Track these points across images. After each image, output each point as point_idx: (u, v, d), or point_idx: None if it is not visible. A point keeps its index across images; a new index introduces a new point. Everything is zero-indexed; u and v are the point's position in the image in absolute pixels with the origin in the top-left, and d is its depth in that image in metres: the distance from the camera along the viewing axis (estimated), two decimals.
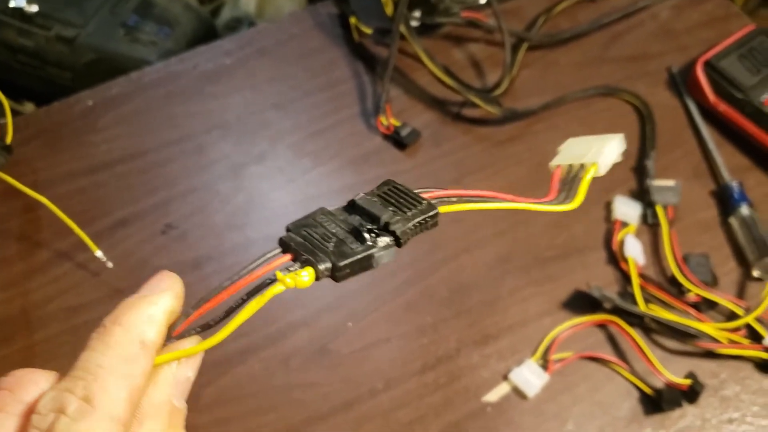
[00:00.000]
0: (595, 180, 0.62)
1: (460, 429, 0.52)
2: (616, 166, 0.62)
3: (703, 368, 0.53)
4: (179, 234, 0.61)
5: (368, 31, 0.69)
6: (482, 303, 0.57)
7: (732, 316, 0.54)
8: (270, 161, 0.64)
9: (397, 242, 0.27)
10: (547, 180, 0.63)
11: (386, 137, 0.65)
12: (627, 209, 0.58)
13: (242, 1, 1.08)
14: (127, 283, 0.58)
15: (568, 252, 0.59)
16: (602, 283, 0.57)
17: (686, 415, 0.52)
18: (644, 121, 0.64)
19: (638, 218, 0.58)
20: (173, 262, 0.59)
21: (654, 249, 0.58)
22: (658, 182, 0.59)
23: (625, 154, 0.63)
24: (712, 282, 0.56)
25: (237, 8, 1.09)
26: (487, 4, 0.68)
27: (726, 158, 0.62)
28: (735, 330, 0.53)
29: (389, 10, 0.65)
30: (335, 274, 0.25)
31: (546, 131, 0.65)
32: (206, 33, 1.05)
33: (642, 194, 0.60)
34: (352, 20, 0.70)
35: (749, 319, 0.52)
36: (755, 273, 0.56)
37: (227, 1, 1.11)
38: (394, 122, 0.65)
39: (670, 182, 0.59)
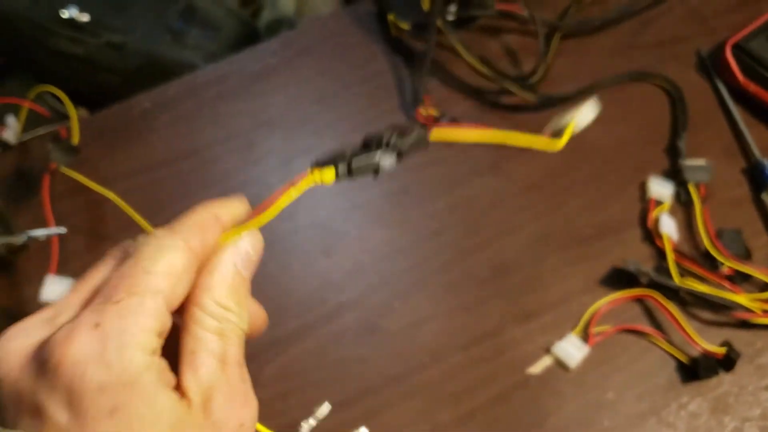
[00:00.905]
0: (630, 160, 0.65)
1: (506, 399, 0.55)
2: (649, 148, 0.65)
3: (739, 338, 0.55)
4: None
5: (405, 26, 0.73)
6: (523, 281, 0.60)
7: (765, 287, 0.56)
8: (316, 153, 0.68)
9: (396, 151, 0.36)
10: (582, 163, 0.65)
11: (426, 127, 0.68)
12: (661, 188, 0.61)
13: (281, 2, 1.12)
14: None
15: (604, 231, 0.61)
16: (638, 259, 0.59)
17: (723, 383, 0.54)
18: (675, 104, 0.67)
19: (671, 197, 0.61)
20: None
21: (687, 226, 0.60)
22: (689, 161, 0.61)
23: (658, 135, 0.66)
24: (746, 255, 0.58)
25: (276, 10, 1.12)
26: None
27: (757, 137, 0.64)
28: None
29: (426, 5, 0.68)
30: (350, 170, 0.34)
31: None
32: (248, 35, 1.09)
33: (675, 174, 0.62)
34: (390, 17, 0.73)
35: None
36: None
37: (266, 4, 1.15)
38: (434, 112, 0.68)
39: (701, 161, 0.61)
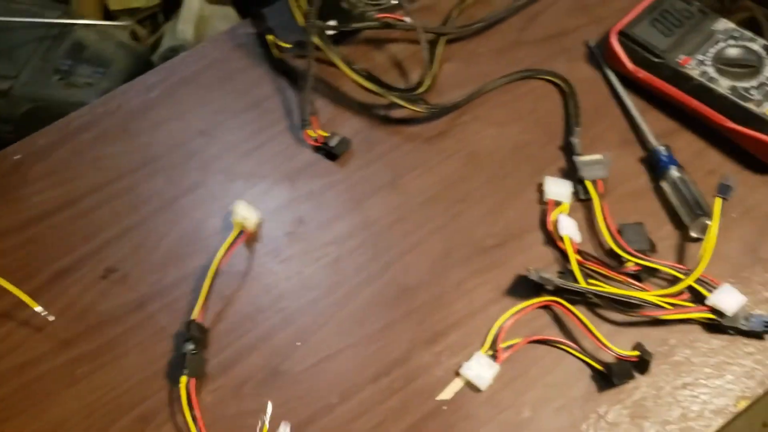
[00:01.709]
0: (527, 162, 0.62)
1: (420, 429, 0.52)
2: (546, 147, 0.63)
3: (652, 337, 0.53)
4: (120, 276, 0.60)
5: (287, 45, 0.69)
6: (429, 300, 0.57)
7: (674, 280, 0.55)
8: (202, 189, 0.64)
9: None
10: (478, 170, 0.63)
11: (317, 149, 0.65)
12: (557, 188, 0.59)
13: (179, 29, 1.07)
14: (72, 334, 0.57)
15: (506, 238, 0.59)
16: (543, 264, 0.57)
17: (640, 386, 0.52)
18: (567, 99, 0.65)
19: (570, 196, 0.58)
20: (116, 306, 0.59)
21: (590, 224, 0.58)
22: (585, 158, 0.59)
23: (553, 133, 0.64)
24: (651, 249, 0.56)
25: (174, 38, 1.08)
26: (399, 4, 0.68)
27: (652, 124, 0.62)
28: (678, 294, 0.53)
29: (300, 21, 0.64)
30: None
31: (473, 122, 0.65)
32: (143, 68, 1.04)
33: (572, 171, 0.60)
34: (270, 37, 0.70)
35: (690, 281, 0.53)
36: (693, 233, 0.56)
37: (166, 31, 1.11)
38: (322, 133, 0.65)
39: (597, 156, 0.59)
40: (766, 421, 1.17)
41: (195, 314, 0.56)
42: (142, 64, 1.05)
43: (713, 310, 0.52)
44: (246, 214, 0.60)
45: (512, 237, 0.59)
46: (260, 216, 0.61)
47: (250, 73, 0.71)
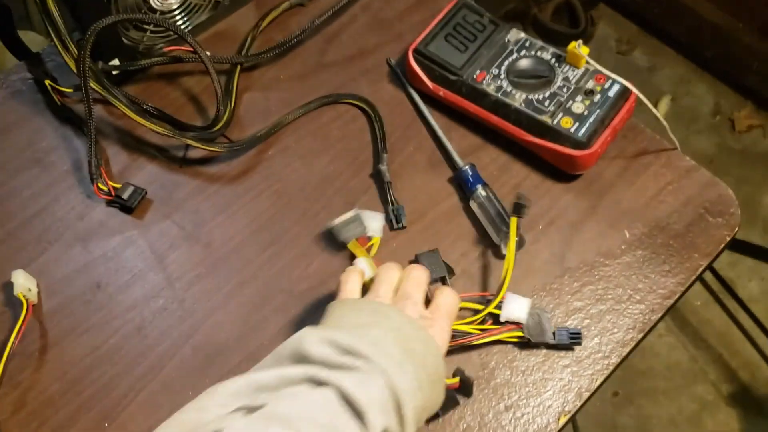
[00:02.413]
0: (337, 195, 0.60)
1: None
2: (355, 176, 0.61)
3: (473, 363, 0.53)
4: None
5: (68, 90, 0.63)
6: (247, 357, 0.53)
7: (477, 308, 0.53)
8: None
9: None
10: (287, 209, 0.60)
11: (110, 203, 0.60)
12: (373, 223, 0.56)
13: None
14: None
15: (323, 278, 0.56)
16: None
17: (464, 416, 0.51)
18: (373, 124, 0.63)
19: (380, 229, 0.56)
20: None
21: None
22: (339, 220, 0.55)
23: (361, 162, 0.62)
24: (450, 273, 0.55)
25: None
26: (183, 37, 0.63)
27: (457, 141, 0.61)
28: (483, 321, 0.53)
29: (72, 65, 0.58)
30: None
31: (279, 155, 0.62)
32: None
33: (383, 197, 0.59)
34: (47, 82, 0.63)
35: (490, 309, 0.52)
36: (504, 251, 0.56)
37: None
38: (114, 185, 0.59)
39: (350, 214, 0.55)
40: (616, 391, 1.23)
41: None
42: None
43: (523, 328, 0.52)
44: (28, 284, 0.54)
45: (329, 276, 0.56)
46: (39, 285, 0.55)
47: (30, 124, 0.64)
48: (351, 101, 0.64)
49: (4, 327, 0.54)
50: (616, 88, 0.58)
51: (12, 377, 0.53)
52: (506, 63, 0.60)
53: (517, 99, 0.58)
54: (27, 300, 0.54)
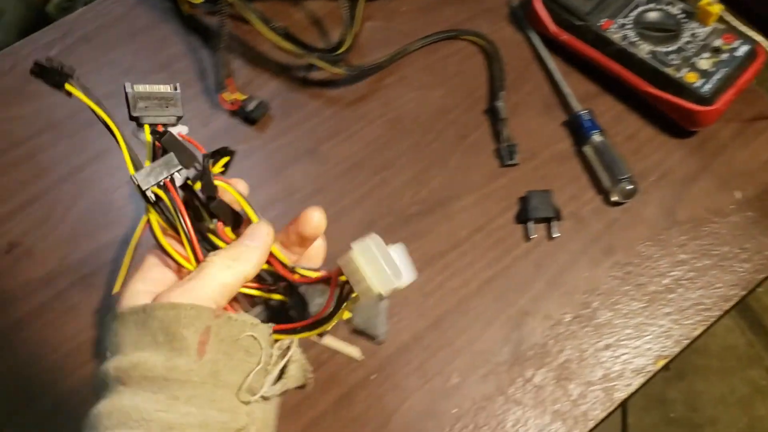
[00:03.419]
0: (451, 127, 0.61)
1: (348, 400, 0.51)
2: (470, 111, 0.62)
3: (575, 302, 0.54)
4: (24, 251, 0.56)
5: (198, 1, 0.65)
6: None
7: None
8: (111, 157, 0.60)
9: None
10: (401, 136, 0.61)
11: (233, 114, 0.62)
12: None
13: None
14: None
15: (431, 206, 0.58)
16: (479, 223, 0.56)
17: (565, 349, 0.53)
18: (491, 62, 0.64)
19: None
20: (22, 283, 0.55)
21: None
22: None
23: (477, 96, 0.63)
24: (556, 217, 0.56)
25: None
26: None
27: (574, 87, 0.62)
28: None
29: None
30: None
31: (396, 84, 0.63)
32: (37, 19, 0.97)
33: (496, 133, 0.60)
34: None
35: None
36: (613, 198, 0.57)
37: None
38: (239, 97, 0.61)
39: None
40: (667, 365, 1.23)
41: (117, 289, 0.53)
42: (35, 16, 0.97)
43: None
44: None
45: (437, 204, 0.58)
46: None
47: (158, 31, 0.66)
48: (471, 38, 0.65)
49: (126, 219, 0.57)
50: (744, 48, 0.58)
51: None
52: (634, 13, 0.60)
53: (642, 50, 0.59)
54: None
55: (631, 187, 0.56)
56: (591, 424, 0.50)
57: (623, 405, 0.52)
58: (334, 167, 0.60)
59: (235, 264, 0.33)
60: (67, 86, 0.33)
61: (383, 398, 0.51)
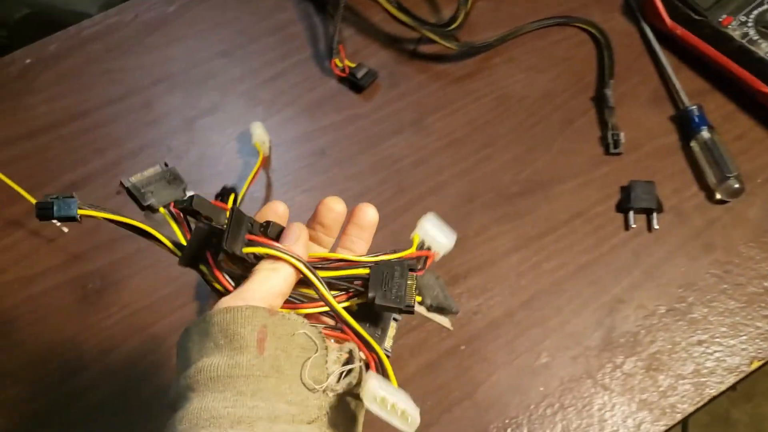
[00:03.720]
0: (556, 111, 0.61)
1: (436, 367, 0.52)
2: (576, 97, 0.62)
3: (670, 295, 0.54)
4: None
5: None
6: None
7: None
8: (221, 112, 0.62)
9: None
10: (506, 115, 0.62)
11: (341, 80, 0.63)
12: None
13: None
14: (83, 248, 0.56)
15: (532, 187, 0.58)
16: (578, 209, 0.56)
17: (656, 340, 0.52)
18: (601, 50, 0.63)
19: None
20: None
21: None
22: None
23: (584, 83, 0.63)
24: (657, 209, 0.56)
25: None
26: None
27: (684, 82, 0.61)
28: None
29: None
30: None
31: (504, 64, 0.64)
32: None
33: (602, 121, 0.60)
34: None
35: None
36: (718, 195, 0.56)
37: None
38: (349, 63, 0.63)
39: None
40: (735, 385, 1.21)
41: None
42: None
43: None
44: (264, 137, 0.58)
45: (538, 186, 0.58)
46: (271, 140, 0.60)
47: None
48: (582, 25, 0.65)
49: (233, 173, 0.59)
50: None
51: None
52: (756, 12, 0.59)
53: (763, 48, 0.58)
54: (261, 150, 0.58)
55: (738, 185, 0.55)
56: (678, 417, 0.50)
57: (685, 421, 0.51)
58: (437, 140, 0.61)
59: (278, 265, 0.34)
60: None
61: (471, 369, 0.52)
